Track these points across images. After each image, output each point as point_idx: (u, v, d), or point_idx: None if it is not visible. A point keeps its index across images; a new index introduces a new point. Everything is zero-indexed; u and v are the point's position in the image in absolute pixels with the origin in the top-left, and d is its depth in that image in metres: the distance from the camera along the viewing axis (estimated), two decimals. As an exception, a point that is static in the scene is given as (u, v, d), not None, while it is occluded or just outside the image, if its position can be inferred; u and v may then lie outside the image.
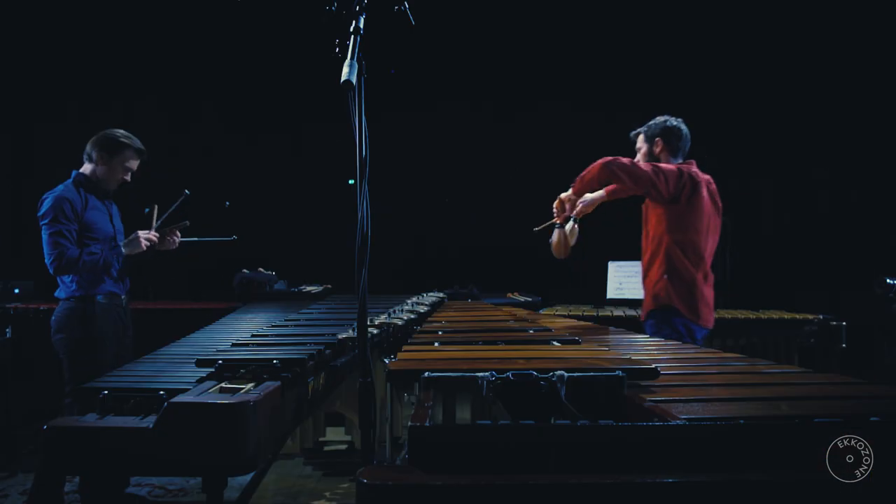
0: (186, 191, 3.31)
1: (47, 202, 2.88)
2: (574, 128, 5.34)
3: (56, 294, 2.96)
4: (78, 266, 2.85)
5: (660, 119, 3.10)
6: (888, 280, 3.98)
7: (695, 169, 2.98)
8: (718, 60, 5.17)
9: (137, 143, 3.05)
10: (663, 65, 5.24)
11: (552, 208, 3.04)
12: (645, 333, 3.01)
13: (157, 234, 3.11)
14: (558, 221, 3.02)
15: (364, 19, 1.63)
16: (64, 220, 2.84)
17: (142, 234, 3.04)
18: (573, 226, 3.00)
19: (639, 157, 3.12)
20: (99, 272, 2.93)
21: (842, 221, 5.19)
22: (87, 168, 3.03)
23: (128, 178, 3.07)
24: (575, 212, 2.98)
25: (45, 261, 2.87)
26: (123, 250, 2.99)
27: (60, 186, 2.95)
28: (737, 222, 4.89)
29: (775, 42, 5.16)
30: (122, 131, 3.04)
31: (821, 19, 5.03)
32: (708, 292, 2.98)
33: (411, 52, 4.62)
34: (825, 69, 5.07)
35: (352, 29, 1.61)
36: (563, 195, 2.99)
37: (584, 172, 2.90)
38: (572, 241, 3.01)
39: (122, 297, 3.07)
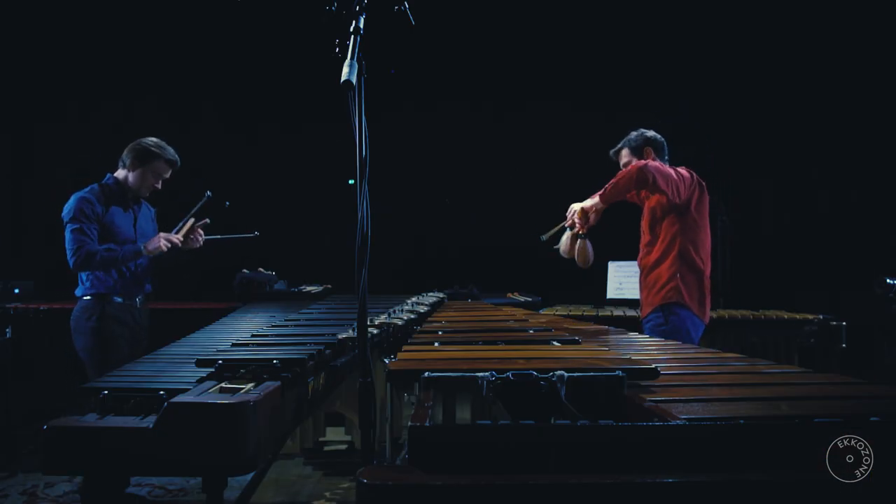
0: (208, 192, 3.35)
1: (70, 203, 2.99)
2: (574, 128, 5.34)
3: (75, 293, 3.04)
4: (95, 260, 2.92)
5: (635, 133, 3.18)
6: (888, 280, 3.98)
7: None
8: (719, 60, 5.16)
9: (169, 153, 3.15)
10: (663, 65, 5.24)
11: (573, 219, 2.99)
12: (644, 330, 3.04)
13: (181, 239, 3.16)
14: (581, 232, 2.98)
15: (364, 19, 1.63)
16: (84, 219, 2.95)
17: (163, 235, 3.11)
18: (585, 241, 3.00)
19: None
20: (118, 268, 3.01)
21: (842, 221, 5.19)
22: (120, 173, 3.14)
23: (158, 185, 3.17)
24: (592, 221, 2.97)
25: (66, 255, 2.95)
26: (143, 249, 3.05)
27: (87, 189, 3.05)
28: (737, 222, 4.90)
29: (775, 42, 5.16)
30: (154, 140, 3.13)
31: (820, 19, 5.03)
32: (709, 288, 3.09)
33: (411, 52, 4.62)
34: (825, 69, 5.07)
35: (352, 29, 1.61)
36: (585, 205, 2.96)
37: (615, 179, 2.90)
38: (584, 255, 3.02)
39: (138, 298, 3.12)
